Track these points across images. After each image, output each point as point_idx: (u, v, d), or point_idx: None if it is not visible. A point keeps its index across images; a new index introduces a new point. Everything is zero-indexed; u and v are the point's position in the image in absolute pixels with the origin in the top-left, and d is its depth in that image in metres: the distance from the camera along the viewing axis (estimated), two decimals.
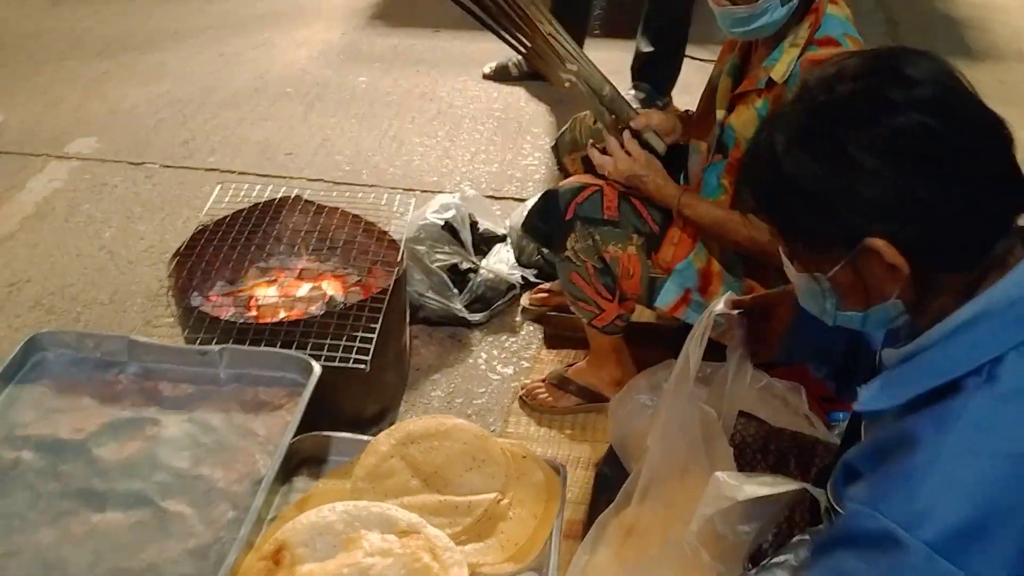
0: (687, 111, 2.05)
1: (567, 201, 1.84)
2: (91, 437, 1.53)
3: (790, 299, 1.33)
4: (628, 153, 1.83)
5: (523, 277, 2.47)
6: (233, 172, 3.04)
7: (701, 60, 3.50)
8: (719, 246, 1.85)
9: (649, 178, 1.83)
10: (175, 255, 2.05)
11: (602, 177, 1.89)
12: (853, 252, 0.97)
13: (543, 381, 2.18)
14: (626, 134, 1.85)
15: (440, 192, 2.76)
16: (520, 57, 3.47)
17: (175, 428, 1.55)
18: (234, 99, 3.57)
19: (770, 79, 1.71)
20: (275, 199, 2.24)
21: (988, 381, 0.92)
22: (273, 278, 2.16)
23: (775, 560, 1.21)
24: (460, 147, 3.21)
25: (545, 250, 2.36)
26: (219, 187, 2.27)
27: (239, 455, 1.51)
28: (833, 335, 1.32)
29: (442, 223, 2.43)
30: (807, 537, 1.23)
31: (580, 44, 3.31)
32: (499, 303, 2.43)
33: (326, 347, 1.80)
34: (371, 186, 2.92)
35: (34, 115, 3.45)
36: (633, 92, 3.25)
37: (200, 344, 1.77)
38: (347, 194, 2.42)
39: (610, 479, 1.71)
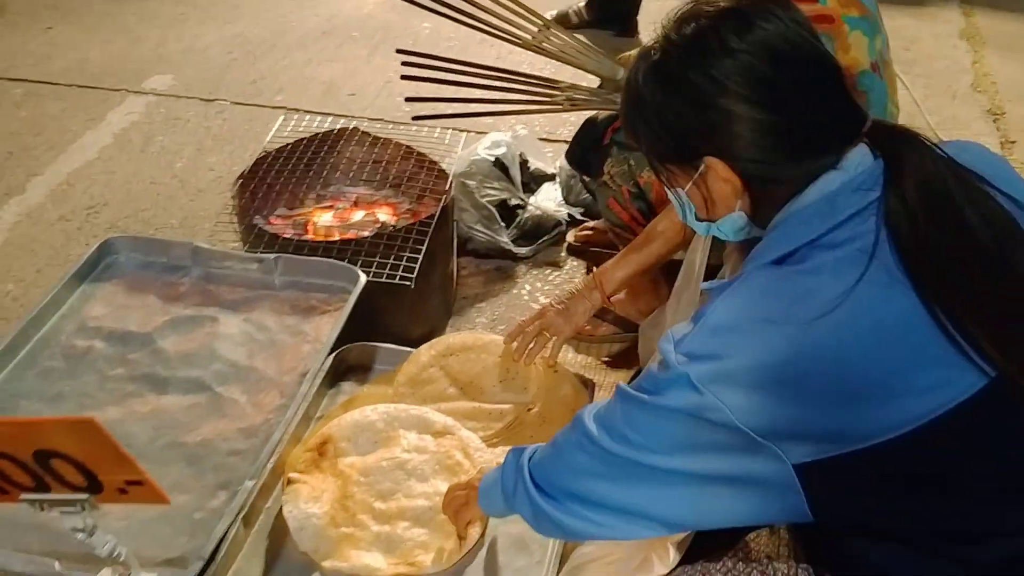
0: None
1: (604, 127, 1.92)
2: (156, 330, 1.67)
3: None
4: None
5: (569, 215, 2.55)
6: (299, 110, 3.16)
7: None
8: None
9: (571, 315, 1.79)
10: (238, 178, 2.18)
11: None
12: (697, 170, 1.12)
13: None
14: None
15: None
16: (581, 5, 3.55)
17: (232, 326, 1.68)
18: (302, 41, 3.69)
19: None
20: (334, 130, 2.36)
21: (771, 265, 1.05)
22: (330, 204, 2.28)
23: None
24: None
25: (586, 178, 2.44)
26: (282, 117, 2.39)
27: (289, 351, 1.63)
28: None
29: (493, 159, 2.52)
30: None
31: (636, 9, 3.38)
32: (545, 238, 2.52)
33: (375, 264, 1.91)
34: (428, 126, 3.02)
35: (115, 52, 3.62)
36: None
37: None
38: (404, 131, 2.52)
39: None
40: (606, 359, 2.18)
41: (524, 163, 2.62)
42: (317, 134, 2.35)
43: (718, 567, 1.18)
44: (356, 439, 1.62)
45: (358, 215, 2.23)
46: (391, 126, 3.01)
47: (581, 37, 2.08)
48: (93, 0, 4.03)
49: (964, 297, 0.98)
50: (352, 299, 1.67)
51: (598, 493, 1.10)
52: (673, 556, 1.27)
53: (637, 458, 1.04)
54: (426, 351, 1.86)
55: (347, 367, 1.88)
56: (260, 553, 1.46)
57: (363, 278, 1.71)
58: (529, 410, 1.75)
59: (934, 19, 3.86)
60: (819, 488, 0.99)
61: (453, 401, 1.77)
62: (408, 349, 1.90)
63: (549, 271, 2.48)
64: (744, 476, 1.00)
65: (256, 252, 1.97)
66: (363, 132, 2.35)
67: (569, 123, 3.07)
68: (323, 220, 2.22)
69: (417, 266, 1.92)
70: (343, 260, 1.91)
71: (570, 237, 2.54)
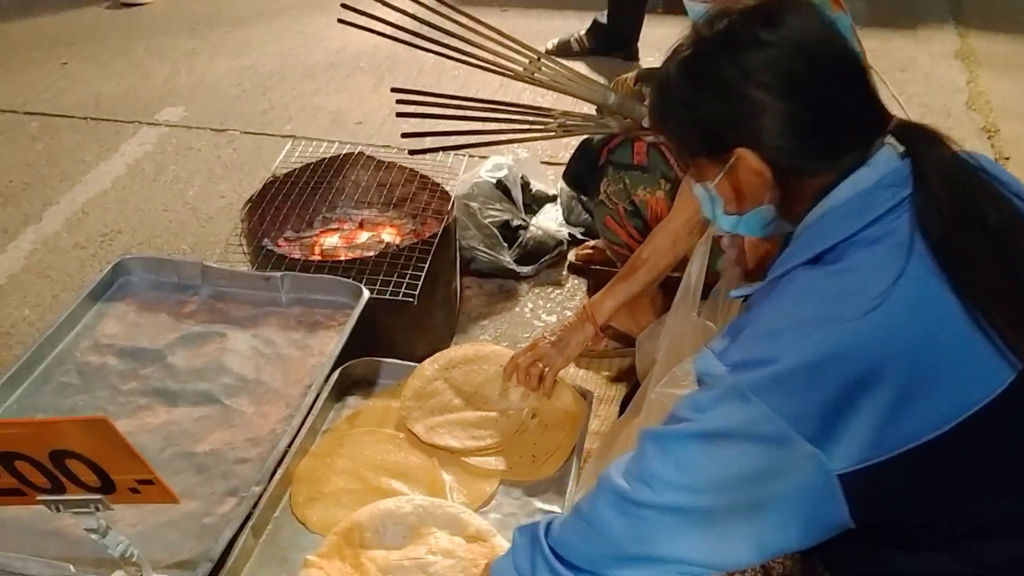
0: None
1: (600, 148, 1.99)
2: (167, 346, 1.73)
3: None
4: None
5: (570, 234, 2.61)
6: (307, 138, 3.24)
7: None
8: None
9: (564, 347, 1.82)
10: (247, 202, 2.25)
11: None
12: (729, 162, 1.13)
13: None
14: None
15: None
16: (582, 33, 3.63)
17: (240, 341, 1.74)
18: (311, 72, 3.79)
19: None
20: (340, 155, 2.43)
21: (810, 263, 1.08)
22: (336, 226, 2.35)
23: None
24: None
25: (583, 197, 2.50)
26: (289, 144, 2.47)
27: (295, 365, 1.69)
28: None
29: (495, 181, 2.59)
30: None
31: (642, 23, 3.44)
32: (546, 258, 2.58)
33: (378, 282, 1.96)
34: (435, 152, 3.09)
35: (128, 86, 3.73)
36: None
37: None
38: (412, 157, 2.58)
39: None
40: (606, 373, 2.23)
41: (526, 185, 2.68)
42: (324, 159, 2.42)
43: None
44: (384, 530, 1.57)
45: (363, 236, 2.30)
46: (395, 151, 3.10)
47: (574, 65, 2.14)
48: (107, 37, 4.14)
49: (991, 290, 1.00)
50: (355, 313, 1.72)
51: (646, 554, 1.05)
52: None
53: (685, 503, 1.01)
54: (429, 365, 1.91)
55: (352, 382, 1.93)
56: (268, 562, 1.50)
57: (366, 293, 1.77)
58: (532, 416, 1.80)
59: (930, 40, 3.93)
60: (860, 495, 0.99)
61: (458, 412, 1.81)
62: (412, 364, 1.95)
63: (551, 290, 2.54)
64: (795, 495, 0.99)
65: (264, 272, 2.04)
66: (368, 157, 2.42)
67: (570, 146, 3.12)
68: (329, 241, 2.28)
69: (419, 284, 1.97)
70: (349, 279, 1.97)
71: (571, 256, 2.60)
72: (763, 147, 1.11)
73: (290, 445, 1.53)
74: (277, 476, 1.53)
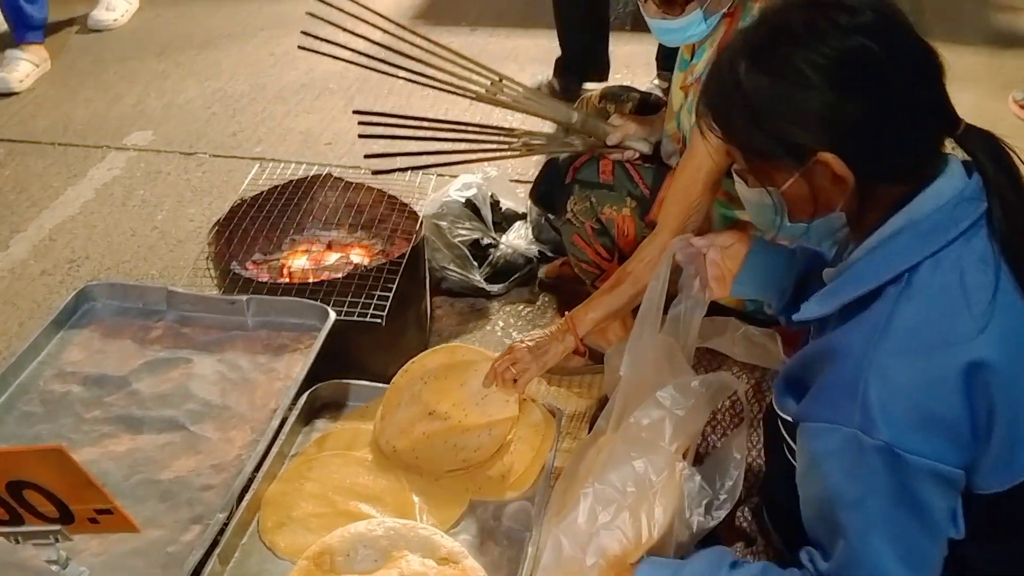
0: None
1: (566, 167, 1.99)
2: (132, 373, 1.72)
3: (744, 239, 1.46)
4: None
5: (540, 252, 2.61)
6: (277, 160, 3.22)
7: None
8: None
9: (541, 354, 1.80)
10: (215, 225, 2.24)
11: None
12: (805, 165, 1.08)
13: None
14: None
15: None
16: (550, 78, 3.55)
17: (206, 366, 1.73)
18: (281, 94, 3.78)
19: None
20: (307, 177, 2.42)
21: (906, 288, 1.04)
22: (304, 248, 2.35)
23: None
24: None
25: (551, 216, 2.50)
26: (257, 165, 2.46)
27: (261, 388, 1.68)
28: (784, 272, 1.45)
29: (464, 200, 2.59)
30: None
31: (606, 42, 3.42)
32: (517, 276, 2.57)
33: (347, 304, 1.96)
34: (401, 172, 3.09)
35: (97, 111, 3.70)
36: (657, 82, 3.37)
37: None
38: (380, 178, 2.58)
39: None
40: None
41: (495, 203, 2.68)
42: (292, 181, 2.41)
43: None
44: (356, 554, 1.56)
45: (332, 258, 2.29)
46: (364, 172, 3.09)
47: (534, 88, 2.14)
48: (75, 61, 4.12)
49: None
50: (322, 336, 1.72)
51: None
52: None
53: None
54: (404, 377, 1.90)
55: (321, 404, 1.93)
56: None
57: (332, 315, 1.77)
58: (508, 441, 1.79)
59: None
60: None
61: (437, 421, 1.80)
62: (380, 385, 1.94)
63: (521, 307, 2.54)
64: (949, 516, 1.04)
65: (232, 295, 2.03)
66: (336, 178, 2.42)
67: (539, 164, 3.15)
68: (297, 263, 2.28)
69: (388, 304, 1.97)
70: (316, 301, 1.96)
71: (541, 273, 2.60)
72: (848, 150, 1.05)
73: (256, 470, 1.53)
74: (244, 502, 1.52)
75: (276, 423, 1.57)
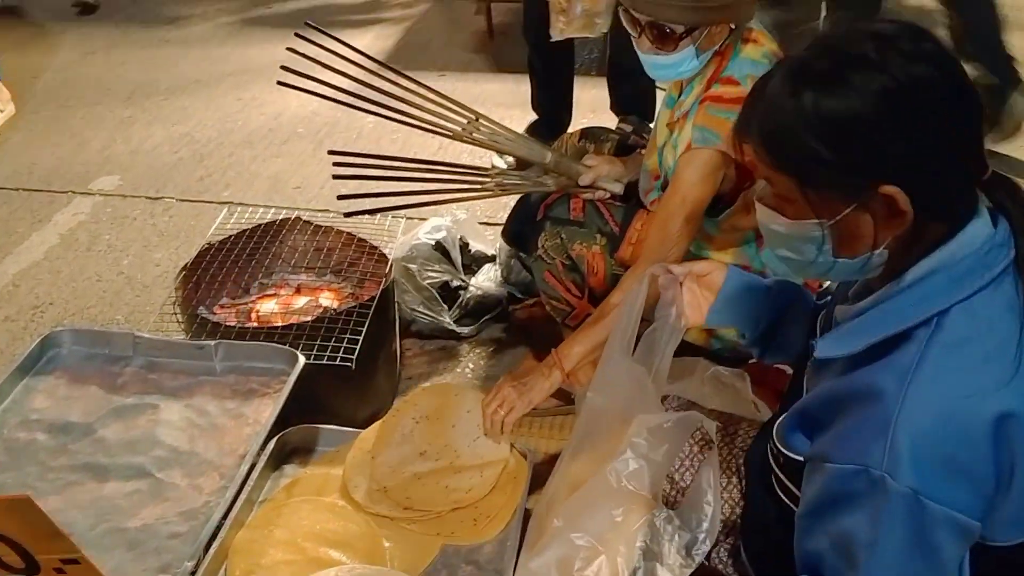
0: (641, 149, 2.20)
1: (537, 204, 2.02)
2: (98, 420, 1.69)
3: (721, 268, 1.48)
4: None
5: (510, 293, 2.62)
6: (245, 204, 3.23)
7: None
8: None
9: (527, 391, 1.81)
10: (182, 270, 2.23)
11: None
12: (864, 198, 1.04)
13: None
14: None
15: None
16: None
17: (173, 412, 1.71)
18: (249, 139, 3.79)
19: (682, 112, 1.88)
20: (276, 220, 2.42)
21: (936, 332, 1.03)
22: (273, 292, 2.34)
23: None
24: None
25: (522, 255, 2.51)
26: (226, 209, 2.46)
27: (230, 434, 1.66)
28: (760, 303, 1.46)
29: (433, 243, 2.60)
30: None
31: (571, 87, 3.46)
32: (487, 317, 2.58)
33: (316, 347, 1.95)
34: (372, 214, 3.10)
35: (63, 155, 3.69)
36: (622, 127, 3.41)
37: None
38: (349, 221, 2.59)
39: None
40: None
41: (464, 246, 2.70)
42: (260, 225, 2.41)
43: None
44: None
45: (301, 301, 2.28)
46: (333, 215, 3.10)
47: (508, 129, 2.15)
48: (41, 106, 4.11)
49: None
50: (291, 380, 1.71)
51: None
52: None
53: None
54: (393, 416, 1.89)
55: (291, 449, 1.91)
56: None
57: (302, 360, 1.76)
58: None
59: None
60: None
61: (429, 462, 1.79)
62: (350, 430, 1.93)
63: (492, 348, 2.54)
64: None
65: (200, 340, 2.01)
66: (305, 221, 2.42)
67: (508, 207, 3.17)
68: (266, 307, 2.27)
69: (358, 347, 1.96)
70: (285, 345, 1.95)
71: (512, 314, 2.61)
72: (912, 184, 1.02)
73: (225, 517, 1.50)
74: (212, 550, 1.50)
75: (245, 469, 1.55)
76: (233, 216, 2.44)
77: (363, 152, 2.01)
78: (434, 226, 2.67)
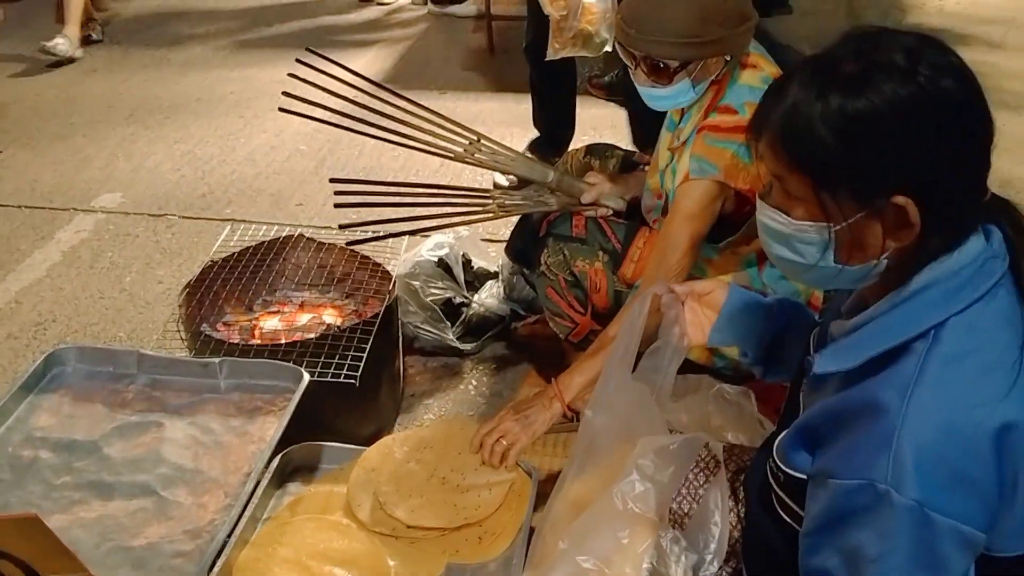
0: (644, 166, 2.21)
1: (540, 221, 2.03)
2: (102, 438, 1.69)
3: (723, 286, 1.48)
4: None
5: (512, 310, 2.62)
6: (247, 221, 3.23)
7: None
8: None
9: (530, 424, 1.80)
10: (185, 287, 2.23)
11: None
12: (874, 206, 1.04)
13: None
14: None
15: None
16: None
17: (178, 430, 1.71)
18: (251, 156, 3.80)
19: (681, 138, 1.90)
20: (279, 238, 2.43)
21: (935, 344, 1.04)
22: (276, 309, 2.34)
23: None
24: None
25: (525, 271, 2.52)
26: (229, 227, 2.46)
27: (234, 452, 1.66)
28: (762, 322, 1.46)
29: (436, 260, 2.61)
30: None
31: (573, 105, 3.46)
32: (489, 334, 2.58)
33: (320, 365, 1.95)
34: (374, 230, 3.11)
35: (65, 173, 3.70)
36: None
37: None
38: (350, 236, 2.59)
39: None
40: None
41: (467, 262, 2.70)
42: (263, 242, 2.41)
43: None
44: None
45: (304, 318, 2.29)
46: (336, 232, 3.10)
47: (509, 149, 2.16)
48: (44, 124, 4.12)
49: None
50: (296, 398, 1.71)
51: None
52: None
53: None
54: (400, 446, 1.89)
55: (294, 467, 1.90)
56: None
57: (307, 377, 1.76)
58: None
59: None
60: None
61: (435, 482, 1.79)
62: (354, 447, 1.93)
63: (495, 365, 2.54)
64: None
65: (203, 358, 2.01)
66: (308, 238, 2.43)
67: (510, 223, 3.17)
68: (269, 324, 2.27)
69: (362, 365, 1.96)
70: (289, 362, 1.95)
71: (514, 331, 2.61)
72: (928, 198, 1.02)
73: (229, 536, 1.50)
74: (216, 569, 1.49)
75: (250, 487, 1.55)
76: (236, 233, 2.45)
77: (364, 179, 2.02)
78: (437, 243, 2.68)
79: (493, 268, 2.76)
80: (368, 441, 1.98)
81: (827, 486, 1.08)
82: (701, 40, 1.73)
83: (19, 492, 1.59)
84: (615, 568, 1.41)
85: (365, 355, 1.98)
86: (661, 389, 1.47)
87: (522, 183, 2.21)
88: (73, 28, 4.72)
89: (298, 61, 2.09)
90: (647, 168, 2.14)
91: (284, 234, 2.43)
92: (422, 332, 2.52)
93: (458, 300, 2.58)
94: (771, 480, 1.25)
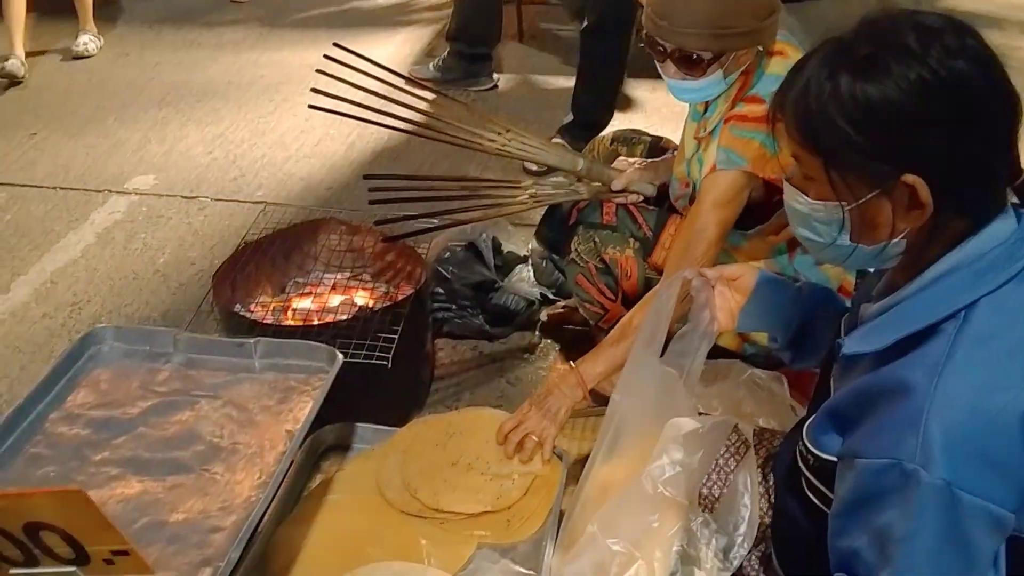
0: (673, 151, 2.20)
1: (570, 208, 2.02)
2: (139, 416, 1.71)
3: (752, 271, 1.48)
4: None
5: (542, 295, 2.63)
6: (278, 204, 3.26)
7: None
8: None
9: (555, 416, 1.82)
10: (219, 269, 2.26)
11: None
12: (887, 186, 1.05)
13: None
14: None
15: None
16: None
17: (213, 408, 1.73)
18: (282, 140, 3.82)
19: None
20: (310, 220, 2.45)
21: (964, 325, 1.04)
22: (308, 291, 2.36)
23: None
24: None
25: (555, 256, 2.52)
26: (260, 209, 2.49)
27: (269, 431, 1.68)
28: (790, 307, 1.46)
29: (466, 244, 2.61)
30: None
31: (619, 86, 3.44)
32: (518, 318, 2.59)
33: (352, 346, 1.96)
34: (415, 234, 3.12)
35: (98, 155, 3.73)
36: None
37: None
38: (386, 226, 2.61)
39: None
40: None
41: (497, 247, 2.70)
42: (295, 225, 2.44)
43: None
44: None
45: (336, 300, 2.30)
46: (366, 215, 3.12)
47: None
48: (77, 107, 4.16)
49: None
50: (330, 378, 1.72)
51: None
52: None
53: None
54: (427, 426, 1.91)
55: (327, 447, 1.93)
56: None
57: (340, 358, 1.77)
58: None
59: None
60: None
61: (460, 468, 1.80)
62: (386, 428, 1.95)
63: (523, 350, 2.55)
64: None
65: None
66: (339, 221, 2.44)
67: (540, 208, 3.18)
68: (302, 306, 2.29)
69: (393, 347, 1.97)
70: (321, 343, 1.97)
71: (543, 316, 2.62)
72: (935, 177, 1.03)
73: (264, 513, 1.52)
74: (253, 545, 1.51)
75: (285, 465, 1.56)
76: (268, 216, 2.47)
77: (396, 173, 2.03)
78: (467, 228, 2.68)
79: (523, 252, 2.77)
80: (399, 422, 2.00)
81: (855, 466, 1.09)
82: (736, 31, 1.72)
83: (57, 467, 1.61)
84: (645, 551, 1.41)
85: (397, 337, 2.00)
86: (690, 373, 1.46)
87: (551, 169, 2.21)
88: (90, 23, 4.75)
89: (326, 57, 2.10)
90: (675, 153, 2.14)
91: (316, 216, 2.45)
92: (452, 316, 2.53)
93: (488, 284, 2.59)
94: (800, 463, 1.25)
